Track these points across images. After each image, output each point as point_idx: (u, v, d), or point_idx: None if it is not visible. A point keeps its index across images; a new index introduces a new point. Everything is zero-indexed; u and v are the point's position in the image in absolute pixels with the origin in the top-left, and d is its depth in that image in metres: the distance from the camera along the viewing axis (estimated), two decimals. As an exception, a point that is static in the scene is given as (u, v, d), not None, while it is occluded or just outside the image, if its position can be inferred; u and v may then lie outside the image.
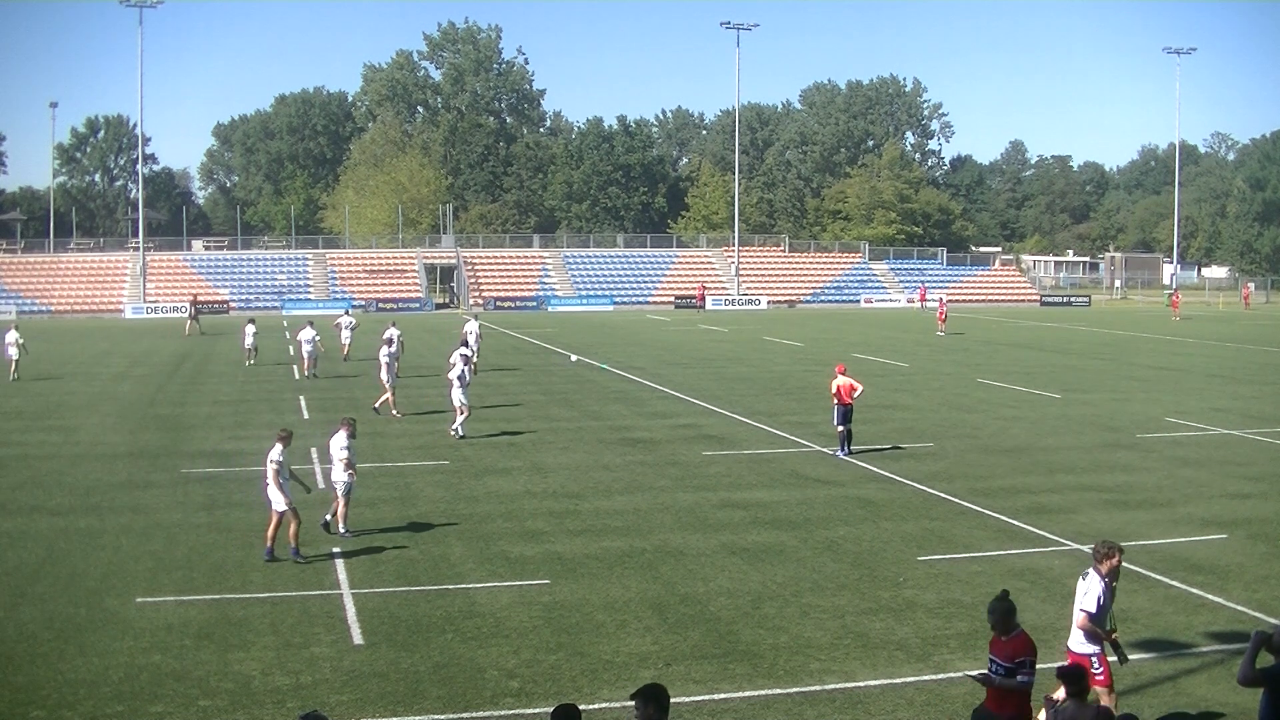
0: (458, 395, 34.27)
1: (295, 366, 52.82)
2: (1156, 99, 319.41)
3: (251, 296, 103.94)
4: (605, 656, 16.33)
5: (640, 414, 38.81)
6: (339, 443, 22.78)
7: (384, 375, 39.13)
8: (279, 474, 21.07)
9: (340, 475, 22.76)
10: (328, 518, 23.14)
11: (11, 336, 49.85)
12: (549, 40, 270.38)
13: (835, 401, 31.54)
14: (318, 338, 49.96)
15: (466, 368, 35.40)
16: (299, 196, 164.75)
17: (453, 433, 34.04)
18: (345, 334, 54.67)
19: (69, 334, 74.89)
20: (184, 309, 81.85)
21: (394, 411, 38.24)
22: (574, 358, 55.98)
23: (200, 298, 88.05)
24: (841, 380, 31.55)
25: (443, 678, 15.55)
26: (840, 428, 31.56)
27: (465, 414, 34.22)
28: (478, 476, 28.55)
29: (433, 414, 38.51)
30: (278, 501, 20.97)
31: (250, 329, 54.65)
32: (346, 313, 60.95)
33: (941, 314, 77.02)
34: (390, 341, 41.64)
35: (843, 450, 31.45)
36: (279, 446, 21.35)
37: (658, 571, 20.33)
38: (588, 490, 26.79)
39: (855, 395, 31.73)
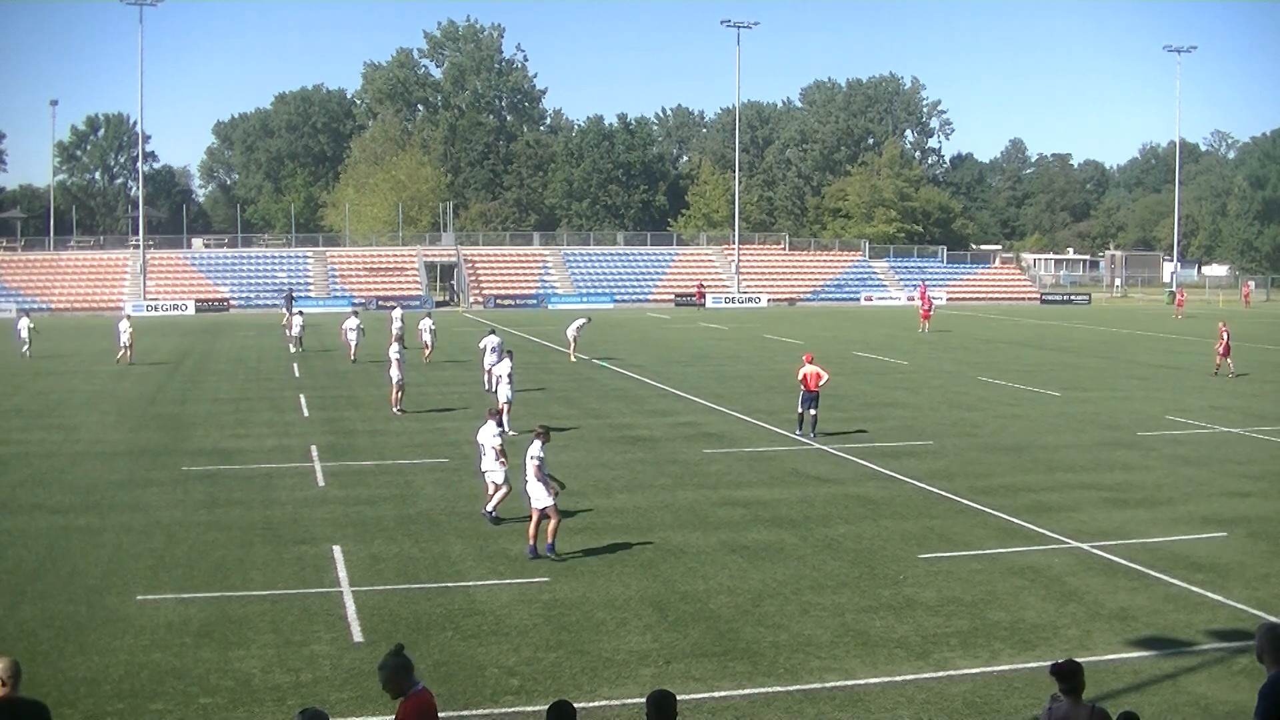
0: (505, 391, 34.73)
1: (290, 361, 53.12)
2: (1157, 97, 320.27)
3: (252, 294, 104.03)
4: (605, 654, 16.33)
5: (640, 412, 38.82)
6: (490, 432, 23.27)
7: (393, 371, 38.96)
8: (540, 469, 21.10)
9: (492, 464, 23.24)
10: (488, 509, 23.59)
11: (124, 325, 54.92)
12: (549, 38, 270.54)
13: (802, 388, 33.86)
14: (361, 326, 55.06)
15: (510, 364, 35.87)
16: (299, 194, 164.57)
17: (505, 432, 34.18)
18: (397, 325, 56.86)
19: (69, 332, 74.85)
20: (280, 303, 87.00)
21: (395, 409, 38.25)
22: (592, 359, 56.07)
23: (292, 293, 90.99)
24: (809, 368, 33.82)
25: (443, 675, 15.54)
26: (801, 410, 34.02)
27: (509, 410, 34.52)
28: (477, 474, 28.50)
29: (432, 412, 38.54)
30: (539, 498, 20.96)
31: (298, 320, 61.72)
32: (396, 306, 65.39)
33: (926, 311, 77.15)
34: (400, 339, 41.93)
35: (800, 430, 33.91)
36: (538, 443, 21.35)
37: (658, 569, 20.33)
38: (588, 488, 26.77)
39: (822, 383, 33.92)
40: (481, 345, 44.35)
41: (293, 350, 59.41)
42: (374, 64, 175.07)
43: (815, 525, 23.58)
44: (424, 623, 17.56)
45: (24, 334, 57.05)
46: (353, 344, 54.16)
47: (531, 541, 21.09)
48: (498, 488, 23.46)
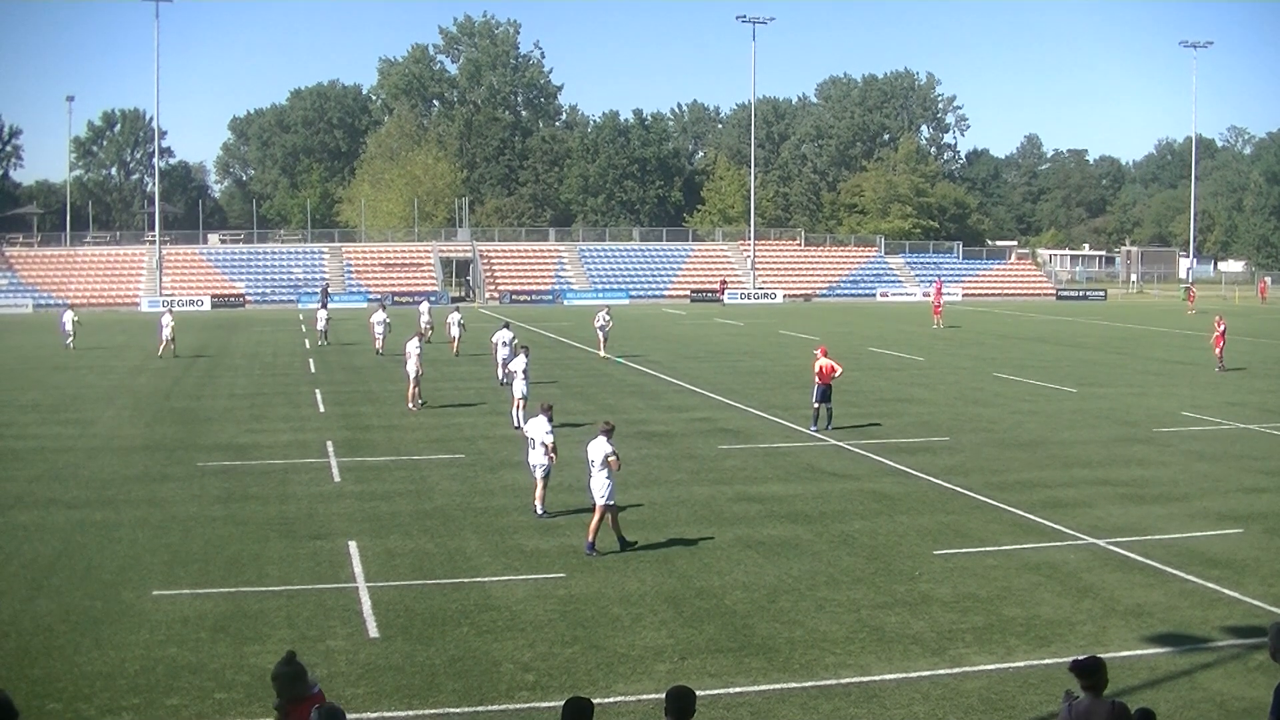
0: (520, 387, 34.59)
1: (306, 356, 53.20)
2: (1173, 93, 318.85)
3: (267, 290, 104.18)
4: (621, 650, 16.34)
5: (656, 407, 38.81)
6: (541, 427, 23.29)
7: (410, 366, 38.92)
8: (618, 464, 21.22)
9: (540, 459, 23.35)
10: (540, 510, 23.75)
11: (166, 319, 56.92)
12: (565, 34, 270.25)
13: (816, 381, 33.87)
14: (388, 320, 56.99)
15: (526, 359, 35.87)
16: (315, 190, 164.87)
17: (520, 428, 34.02)
18: (425, 319, 58.61)
19: (85, 327, 74.92)
20: (316, 298, 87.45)
21: (410, 405, 38.27)
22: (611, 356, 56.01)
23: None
24: (825, 361, 33.90)
25: (458, 671, 15.57)
26: (817, 405, 33.93)
27: (525, 406, 34.44)
28: (493, 470, 28.58)
29: (448, 407, 38.56)
30: (604, 494, 21.00)
31: (323, 315, 63.35)
32: (425, 300, 68.43)
33: (938, 307, 77.10)
34: (420, 333, 42.07)
35: (815, 425, 33.86)
36: (603, 438, 21.32)
37: (673, 565, 20.33)
38: (603, 484, 26.75)
39: (835, 376, 34.05)
40: (494, 340, 44.73)
41: (314, 345, 60.86)
42: (390, 60, 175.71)
43: (831, 521, 23.56)
44: (439, 618, 17.58)
45: (68, 326, 60.19)
46: (379, 337, 55.70)
47: (616, 534, 21.30)
48: (544, 483, 23.62)
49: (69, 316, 61.22)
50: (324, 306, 67.71)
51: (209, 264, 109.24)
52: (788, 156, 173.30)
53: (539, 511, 23.55)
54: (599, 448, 21.06)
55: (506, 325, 46.87)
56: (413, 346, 39.15)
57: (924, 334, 69.23)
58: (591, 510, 21.37)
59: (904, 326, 75.69)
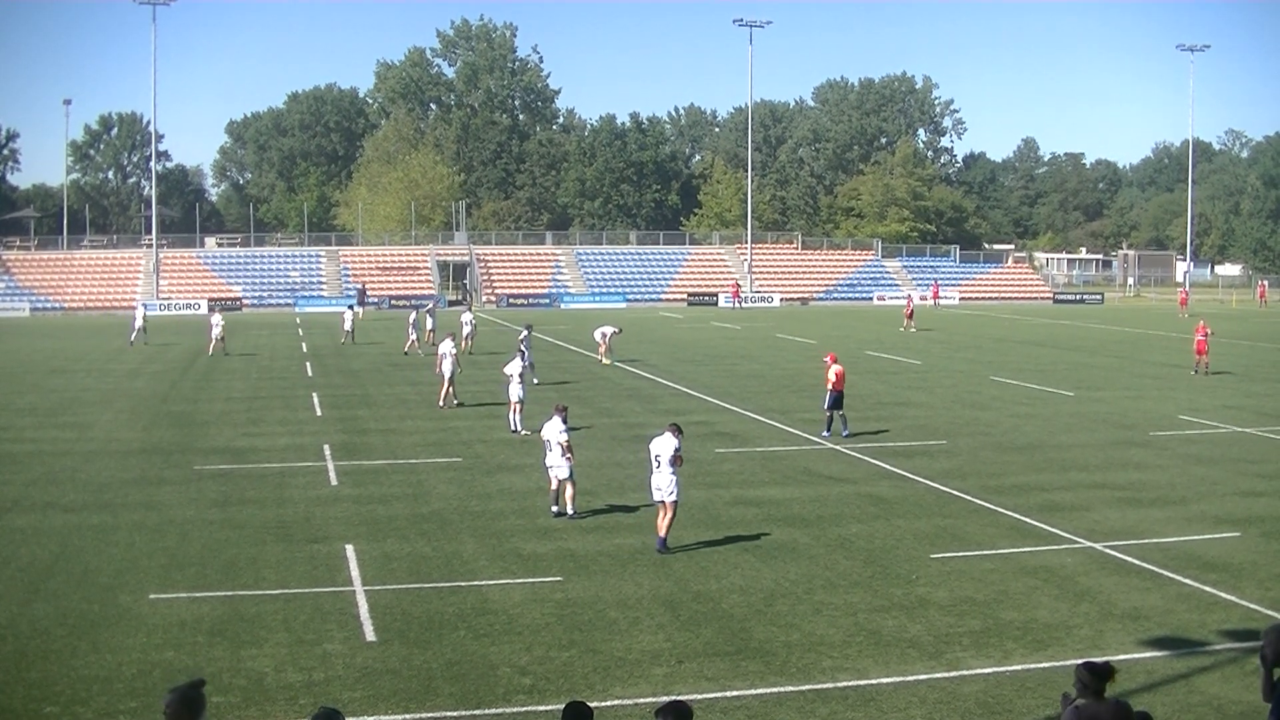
0: (516, 391, 34.58)
1: (304, 360, 53.20)
2: (1170, 96, 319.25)
3: (265, 293, 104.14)
4: (618, 654, 16.33)
5: (653, 411, 38.75)
6: (556, 427, 23.44)
7: (445, 367, 39.37)
8: (680, 461, 21.47)
9: (558, 460, 23.48)
10: (555, 507, 23.96)
11: (216, 319, 60.01)
12: (562, 38, 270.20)
13: (830, 390, 33.62)
14: (416, 321, 59.71)
15: (526, 364, 35.85)
16: (312, 193, 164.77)
17: (516, 432, 33.98)
18: (430, 322, 61.08)
19: (82, 330, 75.00)
20: (353, 297, 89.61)
21: (440, 403, 38.67)
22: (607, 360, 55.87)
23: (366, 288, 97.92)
24: (836, 367, 33.81)
25: (455, 675, 15.56)
26: (829, 411, 33.69)
27: (522, 410, 34.38)
28: (490, 474, 28.57)
29: (446, 410, 38.54)
30: (671, 492, 21.28)
31: (348, 315, 66.24)
32: (439, 300, 70.94)
33: (909, 310, 77.12)
34: (452, 335, 42.46)
35: (827, 431, 33.61)
36: (670, 434, 21.59)
37: (670, 569, 20.32)
38: (600, 487, 26.70)
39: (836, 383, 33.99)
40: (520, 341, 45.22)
41: (341, 341, 63.66)
42: (387, 63, 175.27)
43: (828, 524, 23.56)
44: (436, 622, 17.57)
45: (139, 323, 64.36)
46: (411, 338, 58.58)
47: (661, 534, 21.42)
48: (562, 484, 23.75)
49: (140, 313, 65.44)
50: (351, 307, 68.81)
51: (206, 267, 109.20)
52: (785, 160, 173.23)
53: (569, 513, 23.69)
54: (666, 444, 21.35)
55: (529, 327, 48.13)
56: (447, 348, 39.60)
57: (921, 337, 69.19)
58: (656, 510, 21.76)
59: (901, 330, 75.62)
